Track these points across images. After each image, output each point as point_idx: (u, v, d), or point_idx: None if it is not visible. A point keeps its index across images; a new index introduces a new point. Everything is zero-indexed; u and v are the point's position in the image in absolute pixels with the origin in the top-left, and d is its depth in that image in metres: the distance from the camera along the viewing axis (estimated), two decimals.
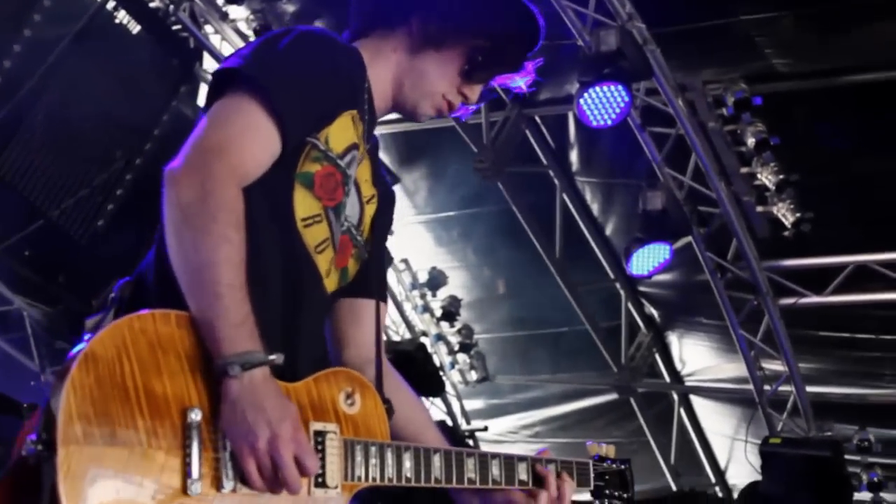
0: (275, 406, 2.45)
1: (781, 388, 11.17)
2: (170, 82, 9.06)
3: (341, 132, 2.87)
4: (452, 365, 12.84)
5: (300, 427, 2.49)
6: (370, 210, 3.10)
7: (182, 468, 2.39)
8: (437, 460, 2.89)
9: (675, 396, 12.69)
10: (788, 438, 10.24)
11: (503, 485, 3.06)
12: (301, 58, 2.80)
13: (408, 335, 12.65)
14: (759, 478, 9.33)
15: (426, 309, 12.57)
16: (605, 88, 8.40)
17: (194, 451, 2.40)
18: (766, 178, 9.33)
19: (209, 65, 9.64)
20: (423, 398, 12.22)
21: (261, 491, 2.46)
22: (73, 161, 8.47)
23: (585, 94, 8.45)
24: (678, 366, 12.44)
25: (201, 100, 9.40)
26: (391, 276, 12.37)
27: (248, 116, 2.67)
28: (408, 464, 2.81)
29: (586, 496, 3.38)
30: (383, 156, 10.29)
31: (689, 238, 10.08)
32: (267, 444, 2.41)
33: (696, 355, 12.20)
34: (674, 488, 12.96)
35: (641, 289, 11.72)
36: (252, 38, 9.33)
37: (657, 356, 12.33)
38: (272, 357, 2.49)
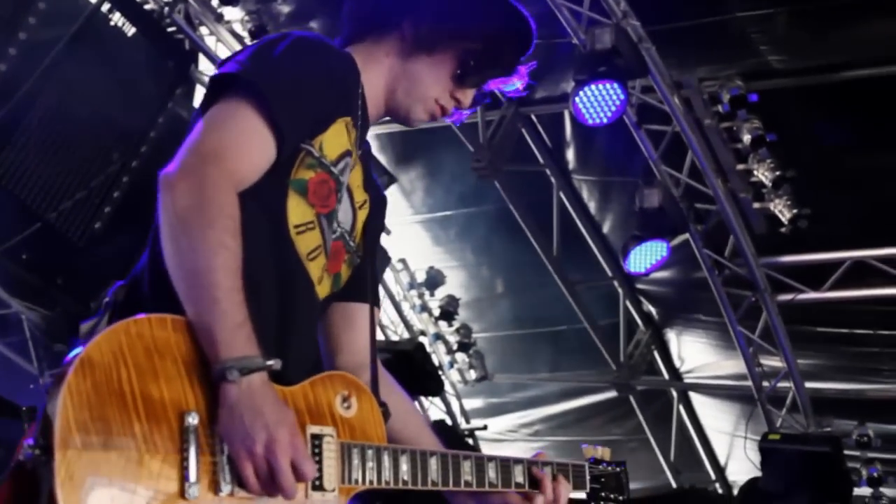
0: (272, 411, 2.45)
1: (780, 385, 11.19)
2: (165, 84, 9.04)
3: (335, 139, 2.88)
4: (451, 364, 12.86)
5: (297, 432, 2.48)
6: (362, 215, 3.11)
7: (179, 472, 2.39)
8: (433, 463, 2.90)
9: (675, 394, 12.71)
10: (788, 434, 10.26)
11: (499, 487, 3.07)
12: (297, 64, 2.80)
13: (406, 335, 12.66)
14: (758, 474, 9.33)
15: (424, 308, 12.59)
16: (600, 86, 8.40)
17: (192, 455, 2.41)
18: (763, 174, 9.34)
19: (205, 66, 9.63)
20: (423, 397, 12.30)
21: (258, 495, 2.47)
22: (69, 163, 8.45)
23: (581, 93, 8.46)
24: (677, 363, 12.46)
25: (197, 101, 9.33)
26: (389, 276, 12.39)
27: (245, 122, 2.67)
28: (404, 467, 2.82)
29: (582, 495, 3.38)
30: (380, 156, 10.32)
31: (687, 235, 10.11)
32: (264, 448, 2.41)
33: (694, 352, 12.21)
34: (674, 486, 12.98)
35: (639, 286, 11.74)
36: (247, 40, 9.34)
37: (656, 354, 12.36)
38: (270, 362, 2.49)
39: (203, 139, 2.63)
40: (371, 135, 3.16)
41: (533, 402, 13.21)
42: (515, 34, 3.15)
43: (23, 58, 7.95)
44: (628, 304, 11.89)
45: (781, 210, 9.47)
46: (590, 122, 8.67)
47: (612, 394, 12.52)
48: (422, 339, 12.24)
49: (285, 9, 9.71)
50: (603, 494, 3.38)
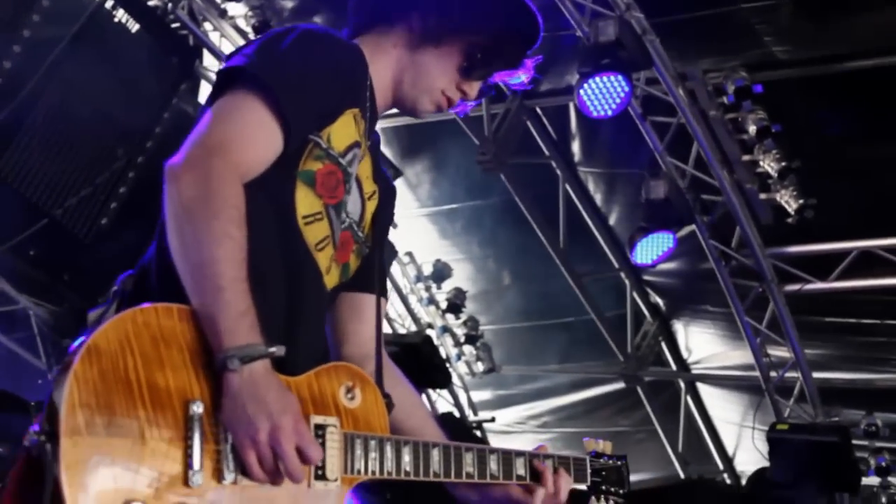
0: (275, 398, 2.46)
1: (788, 375, 11.17)
2: (170, 80, 9.06)
3: (343, 130, 2.89)
4: (459, 356, 12.88)
5: (301, 418, 2.50)
6: (371, 206, 3.12)
7: (184, 460, 2.41)
8: (435, 454, 2.91)
9: (682, 384, 12.71)
10: (796, 424, 10.24)
11: (501, 479, 3.08)
12: (304, 56, 2.81)
13: (413, 328, 12.68)
14: (767, 464, 9.33)
15: (431, 301, 12.60)
16: (604, 79, 8.40)
17: (196, 443, 2.42)
18: (769, 165, 9.32)
19: (209, 62, 9.65)
20: (431, 390, 12.32)
21: (262, 482, 2.49)
22: (75, 160, 8.48)
23: (585, 85, 8.46)
24: (684, 354, 12.46)
25: (202, 97, 9.41)
26: (396, 270, 12.40)
27: (251, 114, 2.69)
28: (407, 458, 2.84)
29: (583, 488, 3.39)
30: (386, 150, 10.32)
31: (693, 226, 10.09)
32: (268, 436, 2.43)
33: (702, 343, 12.21)
34: (682, 476, 12.98)
35: (646, 278, 11.74)
36: (251, 35, 9.35)
37: (663, 345, 12.36)
38: (272, 349, 2.50)
39: (209, 131, 2.65)
40: (377, 128, 3.18)
41: (541, 394, 13.21)
42: (522, 28, 3.17)
43: (27, 55, 7.98)
44: (635, 295, 11.89)
45: (787, 200, 9.44)
46: (594, 114, 8.67)
47: (619, 385, 12.53)
48: (429, 331, 12.28)
49: (289, 4, 9.72)
50: (604, 488, 3.39)
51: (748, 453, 12.09)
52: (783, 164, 9.27)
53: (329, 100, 2.85)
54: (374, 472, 2.75)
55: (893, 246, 9.97)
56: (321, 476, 2.64)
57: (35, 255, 8.73)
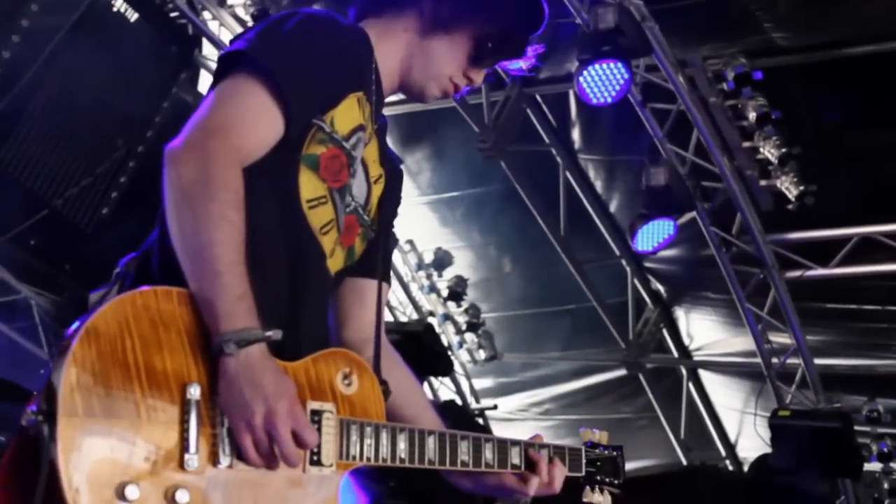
0: (272, 382, 2.47)
1: (789, 361, 11.17)
2: (169, 69, 9.07)
3: (347, 114, 2.89)
4: (461, 344, 12.88)
5: (297, 403, 2.51)
6: (377, 190, 3.13)
7: (180, 442, 2.42)
8: (431, 442, 2.92)
9: (684, 371, 12.71)
10: (797, 411, 10.25)
11: (496, 468, 3.10)
12: (306, 40, 2.82)
13: (415, 316, 12.69)
14: (769, 450, 9.34)
15: (433, 289, 12.59)
16: (604, 66, 8.38)
17: (192, 426, 2.44)
18: (769, 151, 9.31)
19: (208, 51, 9.63)
20: (433, 378, 12.33)
21: (257, 467, 2.50)
22: (75, 150, 8.51)
23: (585, 72, 8.44)
24: (686, 341, 12.46)
25: (201, 86, 9.41)
26: (397, 258, 12.39)
27: (251, 98, 2.70)
28: (402, 445, 2.85)
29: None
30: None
31: (693, 213, 10.08)
32: (263, 419, 2.44)
33: (703, 330, 12.21)
34: (684, 463, 12.99)
35: (647, 265, 11.73)
36: (250, 24, 9.33)
37: (665, 331, 12.36)
38: (269, 333, 2.51)
39: (209, 114, 2.66)
40: (383, 112, 3.19)
41: (543, 382, 13.21)
42: (532, 18, 3.19)
43: (25, 45, 7.99)
44: (636, 282, 11.89)
45: (788, 187, 9.44)
46: (594, 101, 8.65)
47: (621, 372, 12.53)
48: (431, 319, 12.26)
49: None
50: (599, 478, 3.41)
51: (750, 440, 12.10)
52: (783, 150, 9.26)
53: (331, 83, 2.85)
54: (369, 459, 2.76)
55: (894, 232, 9.96)
56: (316, 461, 2.64)
57: (36, 244, 8.75)
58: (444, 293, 12.53)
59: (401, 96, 3.27)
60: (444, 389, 13.20)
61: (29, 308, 9.50)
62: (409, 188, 11.16)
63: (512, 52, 3.19)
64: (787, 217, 9.81)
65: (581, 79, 8.48)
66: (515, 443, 3.16)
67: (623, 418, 13.09)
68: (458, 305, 12.62)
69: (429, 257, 12.30)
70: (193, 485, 2.43)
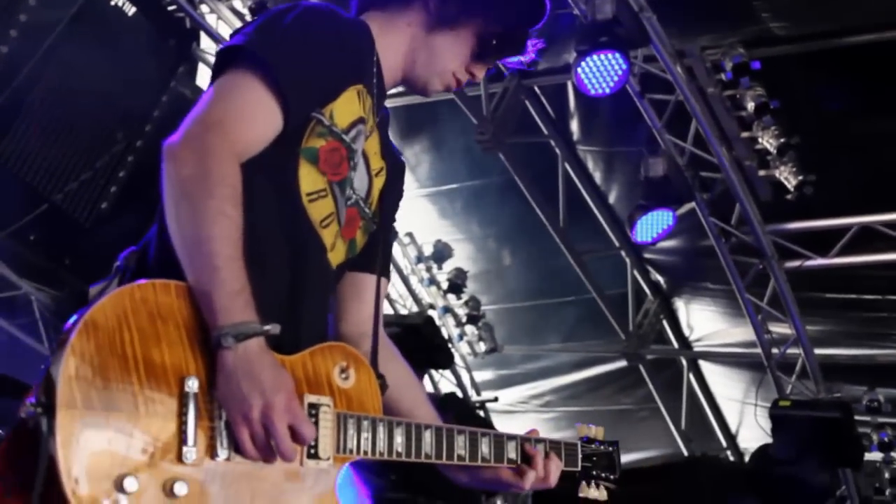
0: (269, 376, 2.48)
1: (789, 351, 11.18)
2: (167, 63, 9.05)
3: (346, 107, 2.89)
4: (461, 337, 12.89)
5: (294, 397, 2.52)
6: (379, 183, 3.13)
7: (178, 435, 2.43)
8: (427, 436, 2.93)
9: (684, 362, 12.72)
10: (798, 401, 10.27)
11: (492, 462, 3.11)
12: (305, 33, 2.82)
13: (415, 308, 12.69)
14: (769, 441, 9.35)
15: (432, 282, 12.60)
16: (602, 57, 8.37)
17: (190, 419, 2.45)
18: (767, 141, 9.30)
19: (206, 45, 9.63)
20: (433, 370, 12.33)
21: (254, 460, 2.51)
22: (73, 144, 8.50)
23: (583, 63, 8.42)
24: (686, 331, 12.47)
25: (199, 80, 9.41)
26: (397, 250, 12.39)
27: (250, 92, 2.70)
28: (399, 439, 2.86)
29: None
30: None
31: (693, 204, 10.07)
32: (261, 413, 2.45)
33: (703, 320, 12.22)
34: (685, 454, 13.01)
35: (647, 256, 11.73)
36: (248, 17, 9.33)
37: (665, 322, 12.37)
38: (267, 327, 2.52)
39: (207, 109, 2.66)
40: (385, 105, 3.19)
41: (543, 373, 13.23)
42: (534, 16, 3.19)
43: (23, 39, 7.96)
44: (636, 273, 11.89)
45: (787, 177, 9.43)
46: (592, 92, 8.64)
47: (621, 363, 12.55)
48: (431, 312, 12.28)
49: None
50: (594, 473, 3.42)
51: (751, 430, 12.12)
52: (782, 140, 9.25)
53: (331, 76, 2.86)
54: (366, 452, 2.77)
55: (894, 221, 9.95)
56: (313, 455, 2.66)
57: (36, 239, 8.74)
58: (444, 285, 12.54)
59: (398, 88, 3.26)
60: (445, 382, 13.22)
61: (29, 304, 9.50)
62: (408, 180, 10.98)
63: (515, 49, 3.20)
64: (787, 207, 9.80)
65: (579, 70, 8.47)
66: (512, 437, 3.17)
67: (624, 410, 13.11)
68: (458, 298, 12.63)
69: (428, 250, 12.31)
70: (191, 477, 2.43)
